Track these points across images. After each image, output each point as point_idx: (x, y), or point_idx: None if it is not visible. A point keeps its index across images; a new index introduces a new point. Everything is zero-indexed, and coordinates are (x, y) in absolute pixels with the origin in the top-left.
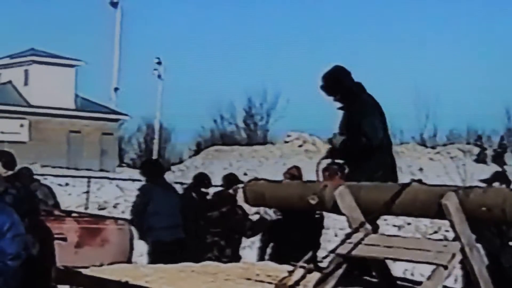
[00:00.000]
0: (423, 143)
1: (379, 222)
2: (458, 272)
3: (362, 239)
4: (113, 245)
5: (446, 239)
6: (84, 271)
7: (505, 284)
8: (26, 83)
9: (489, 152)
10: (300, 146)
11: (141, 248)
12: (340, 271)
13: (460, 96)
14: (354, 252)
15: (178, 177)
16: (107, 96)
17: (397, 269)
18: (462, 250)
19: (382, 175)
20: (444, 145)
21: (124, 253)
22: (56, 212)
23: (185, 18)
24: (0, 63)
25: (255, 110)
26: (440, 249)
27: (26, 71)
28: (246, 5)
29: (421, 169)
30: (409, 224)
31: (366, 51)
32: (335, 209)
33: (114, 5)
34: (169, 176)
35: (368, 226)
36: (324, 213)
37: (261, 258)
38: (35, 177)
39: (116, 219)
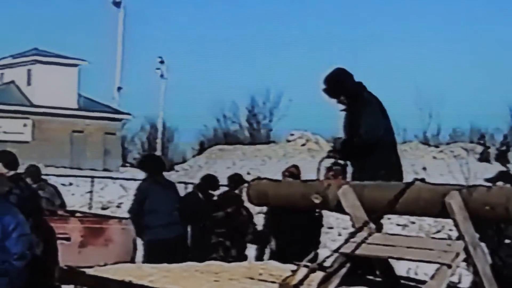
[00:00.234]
0: (426, 142)
1: (382, 221)
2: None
3: (366, 238)
4: (116, 244)
5: (449, 238)
6: (87, 270)
7: (501, 281)
8: (29, 83)
9: (493, 151)
10: (303, 145)
11: None
12: (343, 270)
13: (462, 96)
14: (357, 251)
15: (181, 177)
16: (110, 96)
17: (401, 268)
18: (466, 249)
19: (386, 174)
20: (448, 143)
21: (127, 252)
22: (60, 212)
23: (188, 18)
24: (3, 63)
25: (258, 109)
26: (443, 248)
27: (29, 71)
28: (249, 5)
29: (424, 168)
30: (412, 223)
31: (368, 51)
32: (339, 208)
33: (117, 4)
34: (172, 176)
35: (371, 225)
36: (328, 212)
37: (260, 256)
38: (41, 176)
39: (119, 218)
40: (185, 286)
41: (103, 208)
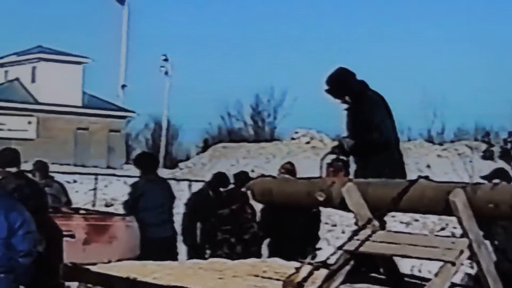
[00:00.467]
0: (430, 140)
1: (386, 219)
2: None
3: (370, 235)
4: (120, 242)
5: (453, 235)
6: (92, 268)
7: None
8: (33, 81)
9: (497, 149)
10: (307, 143)
11: None
12: (347, 267)
13: (467, 95)
14: (361, 249)
15: (186, 174)
16: (114, 94)
17: (405, 266)
18: (470, 246)
19: (390, 172)
20: (452, 141)
21: (131, 250)
22: (64, 209)
23: (192, 16)
24: (8, 61)
25: (262, 107)
26: (447, 246)
27: (33, 69)
28: (253, 4)
29: (428, 166)
30: (416, 220)
31: (371, 50)
32: (343, 206)
33: (121, 2)
34: (176, 173)
35: (375, 222)
36: (332, 210)
37: (257, 253)
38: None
39: (123, 216)
40: (189, 283)
41: (107, 206)
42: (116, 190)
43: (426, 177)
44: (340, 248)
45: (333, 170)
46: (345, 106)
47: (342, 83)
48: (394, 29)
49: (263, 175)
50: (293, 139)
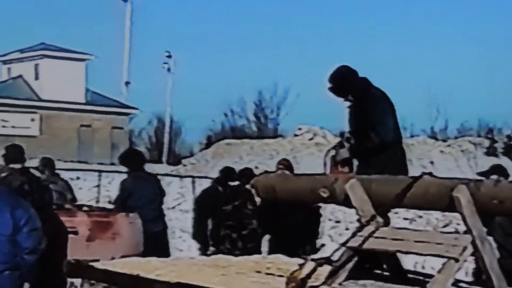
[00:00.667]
0: (434, 136)
1: (390, 215)
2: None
3: (373, 232)
4: (124, 238)
5: (457, 232)
6: (95, 264)
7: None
8: (36, 78)
9: (500, 145)
10: (310, 139)
11: None
12: (351, 264)
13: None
14: (365, 245)
15: (189, 171)
16: (117, 90)
17: (408, 262)
18: (473, 243)
19: (392, 169)
20: (455, 138)
21: (135, 246)
22: (67, 206)
23: (195, 12)
24: (11, 58)
25: (265, 104)
26: (451, 242)
27: (36, 66)
28: (257, 1)
29: (432, 162)
30: (420, 217)
31: (375, 48)
32: (346, 202)
33: None
34: (179, 170)
35: (379, 219)
36: (335, 206)
37: (255, 249)
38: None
39: (127, 212)
40: (193, 280)
41: (111, 202)
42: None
43: (430, 174)
44: (343, 244)
45: (335, 163)
46: (348, 103)
47: (345, 81)
48: (398, 26)
49: (266, 172)
50: (296, 135)
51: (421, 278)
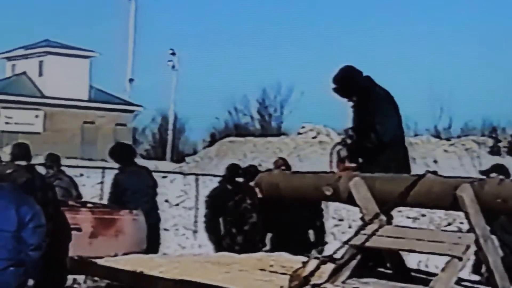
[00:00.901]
0: (437, 135)
1: (393, 213)
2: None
3: (377, 230)
4: (127, 235)
5: (460, 230)
6: (98, 261)
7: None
8: (40, 74)
9: (504, 144)
10: (314, 137)
11: None
12: (354, 262)
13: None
14: (368, 244)
15: (192, 168)
16: (121, 88)
17: (411, 261)
18: (477, 241)
19: (396, 167)
20: (459, 137)
21: (138, 243)
22: (71, 203)
23: (199, 10)
24: (15, 54)
25: (269, 102)
26: (454, 241)
27: (40, 62)
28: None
29: (435, 161)
30: (423, 215)
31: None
32: (350, 200)
33: None
34: (183, 167)
35: (382, 217)
36: (339, 204)
37: (257, 244)
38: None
39: (130, 209)
40: (196, 277)
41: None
42: None
43: (434, 172)
44: (347, 242)
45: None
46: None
47: (349, 81)
48: (398, 26)
49: (270, 170)
50: (299, 133)
51: (425, 276)
